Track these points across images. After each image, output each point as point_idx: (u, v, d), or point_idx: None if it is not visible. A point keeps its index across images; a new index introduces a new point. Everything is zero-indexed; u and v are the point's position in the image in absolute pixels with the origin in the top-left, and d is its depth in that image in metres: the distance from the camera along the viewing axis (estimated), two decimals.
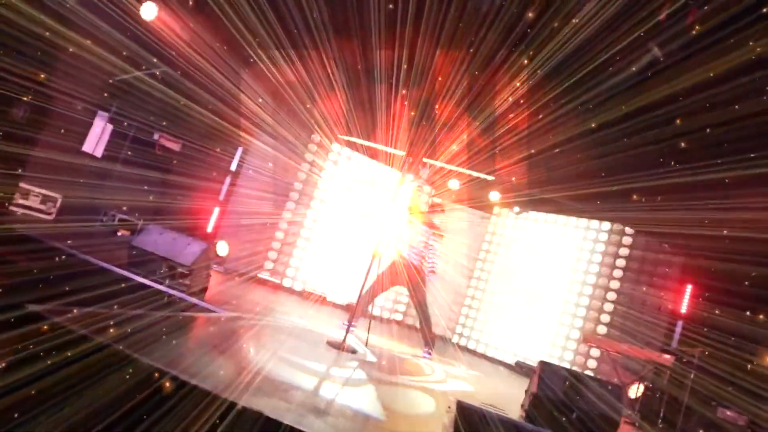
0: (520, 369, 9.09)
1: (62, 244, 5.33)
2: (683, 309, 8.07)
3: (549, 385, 4.56)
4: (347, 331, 5.33)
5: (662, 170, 8.02)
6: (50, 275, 4.82)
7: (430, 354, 6.94)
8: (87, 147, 8.40)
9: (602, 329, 8.39)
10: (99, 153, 8.80)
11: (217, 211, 9.55)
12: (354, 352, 5.19)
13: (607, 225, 9.08)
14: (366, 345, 5.67)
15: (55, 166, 7.93)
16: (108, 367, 2.85)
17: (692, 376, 6.57)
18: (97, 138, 8.50)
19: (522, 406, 4.90)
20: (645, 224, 8.42)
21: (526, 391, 5.01)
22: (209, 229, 9.50)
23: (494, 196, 10.09)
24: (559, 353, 8.84)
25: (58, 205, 7.67)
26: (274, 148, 9.48)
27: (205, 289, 5.32)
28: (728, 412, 6.69)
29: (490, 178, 9.67)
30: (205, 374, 2.70)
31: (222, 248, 9.11)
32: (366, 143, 9.58)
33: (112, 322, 3.43)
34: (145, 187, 9.20)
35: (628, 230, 8.84)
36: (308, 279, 9.64)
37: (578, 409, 4.43)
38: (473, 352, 9.74)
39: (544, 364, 4.77)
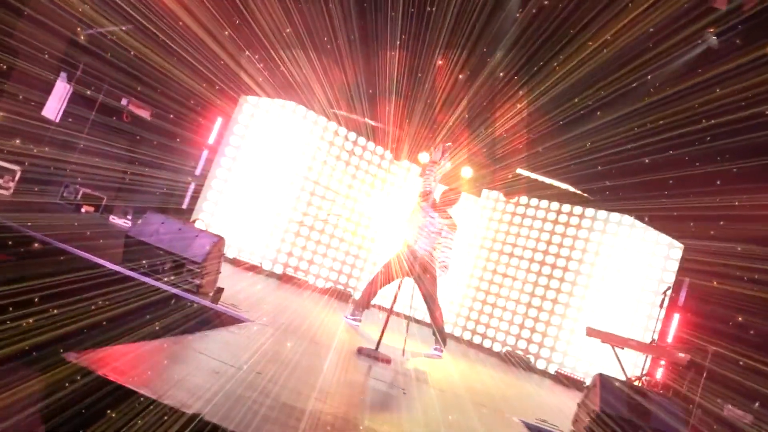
0: (509, 358, 8.90)
1: (37, 232, 4.49)
2: (680, 302, 8.04)
3: (612, 401, 4.23)
4: (380, 339, 4.81)
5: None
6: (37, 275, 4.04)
7: (441, 352, 6.53)
8: (48, 112, 7.32)
9: (604, 322, 8.22)
10: (59, 118, 7.73)
11: (192, 186, 8.68)
12: (389, 361, 4.68)
13: (603, 214, 8.89)
14: (403, 354, 5.16)
15: (12, 133, 6.88)
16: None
17: (704, 375, 6.49)
18: (58, 102, 7.42)
19: (575, 421, 4.57)
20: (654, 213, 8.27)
21: (579, 405, 4.67)
22: (184, 205, 8.65)
23: (467, 172, 9.73)
24: (551, 343, 8.68)
25: (17, 178, 6.64)
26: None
27: (220, 291, 4.62)
28: (736, 410, 6.72)
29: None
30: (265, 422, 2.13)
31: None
32: (357, 117, 8.91)
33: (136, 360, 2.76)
34: (112, 159, 8.22)
35: (636, 222, 8.65)
36: (289, 261, 8.99)
37: (645, 427, 4.13)
38: (457, 339, 9.44)
39: (603, 378, 4.43)
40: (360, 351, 4.69)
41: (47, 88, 7.58)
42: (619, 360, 7.48)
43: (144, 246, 4.65)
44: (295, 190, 8.93)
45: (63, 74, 7.74)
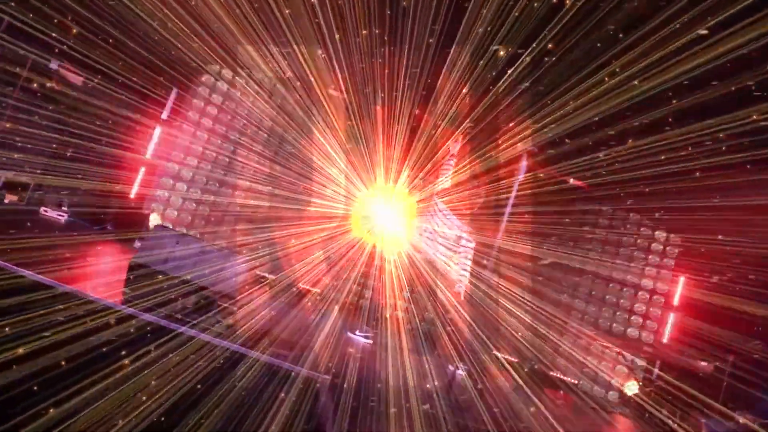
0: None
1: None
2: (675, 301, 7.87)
3: None
4: (451, 381, 4.02)
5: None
6: None
7: (458, 369, 5.89)
8: None
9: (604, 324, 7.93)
10: None
11: (142, 171, 7.24)
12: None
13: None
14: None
15: None
16: None
17: (725, 383, 6.35)
18: None
19: None
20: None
21: None
22: (132, 194, 7.20)
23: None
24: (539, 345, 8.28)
25: None
26: None
27: (265, 334, 3.55)
28: (747, 415, 6.65)
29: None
30: None
31: (155, 222, 7.03)
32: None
33: None
34: (41, 136, 6.60)
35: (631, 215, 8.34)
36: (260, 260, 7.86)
37: None
38: None
39: (709, 424, 3.98)
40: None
41: None
42: (624, 360, 7.29)
43: (154, 275, 3.48)
44: (265, 175, 7.76)
45: None
